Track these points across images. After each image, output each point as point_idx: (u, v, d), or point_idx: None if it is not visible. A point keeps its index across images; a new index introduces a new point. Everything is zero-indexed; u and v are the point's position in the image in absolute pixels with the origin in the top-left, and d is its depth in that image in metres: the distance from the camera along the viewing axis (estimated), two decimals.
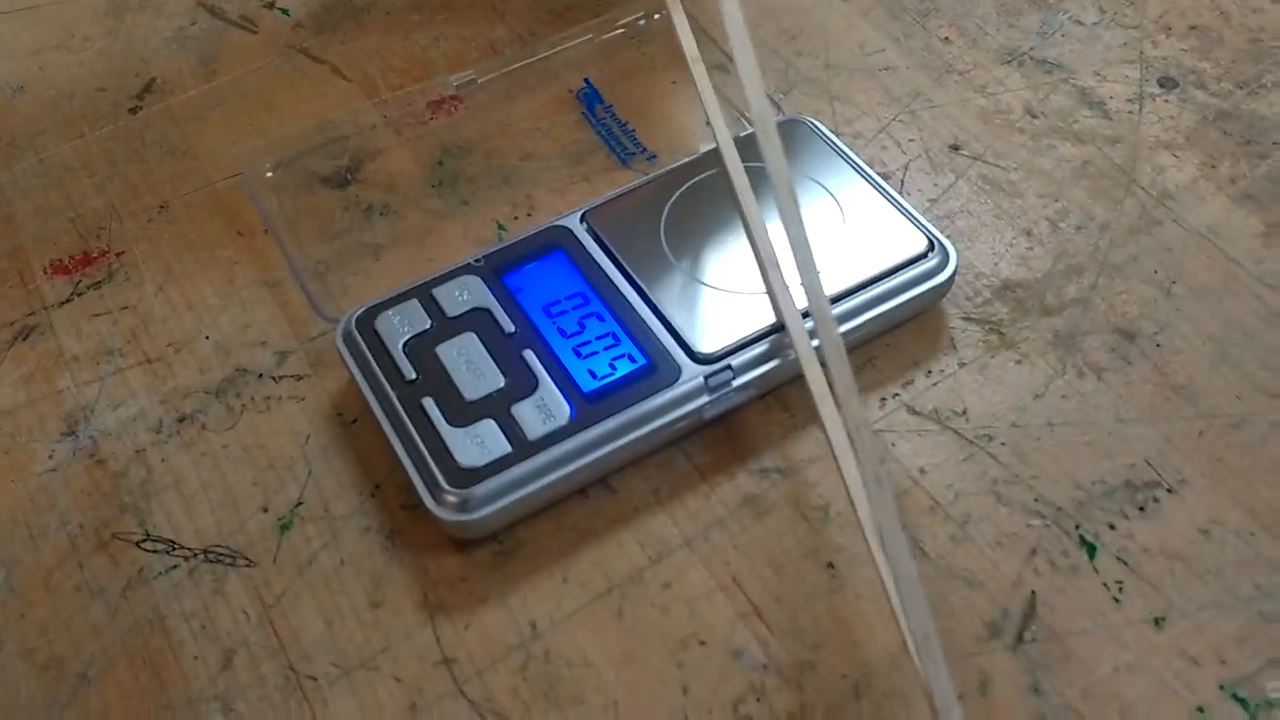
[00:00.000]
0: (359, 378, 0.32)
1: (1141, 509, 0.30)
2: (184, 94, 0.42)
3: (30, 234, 0.38)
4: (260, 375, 0.34)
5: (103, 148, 0.41)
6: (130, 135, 0.41)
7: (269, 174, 0.38)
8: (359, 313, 0.33)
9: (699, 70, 0.37)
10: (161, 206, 0.39)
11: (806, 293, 0.31)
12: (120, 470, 0.32)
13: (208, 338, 0.35)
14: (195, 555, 0.31)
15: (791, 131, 0.37)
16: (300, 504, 0.32)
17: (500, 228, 0.38)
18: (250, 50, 0.44)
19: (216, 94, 0.42)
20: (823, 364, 0.30)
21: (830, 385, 0.29)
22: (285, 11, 0.45)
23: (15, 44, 0.45)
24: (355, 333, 0.33)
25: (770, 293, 0.32)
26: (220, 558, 0.31)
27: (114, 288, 0.37)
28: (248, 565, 0.30)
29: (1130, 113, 0.39)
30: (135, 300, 0.36)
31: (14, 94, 0.43)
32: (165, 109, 0.42)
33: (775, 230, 0.32)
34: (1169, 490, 0.30)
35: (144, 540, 0.31)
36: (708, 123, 0.36)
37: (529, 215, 0.38)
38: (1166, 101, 0.39)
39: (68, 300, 0.37)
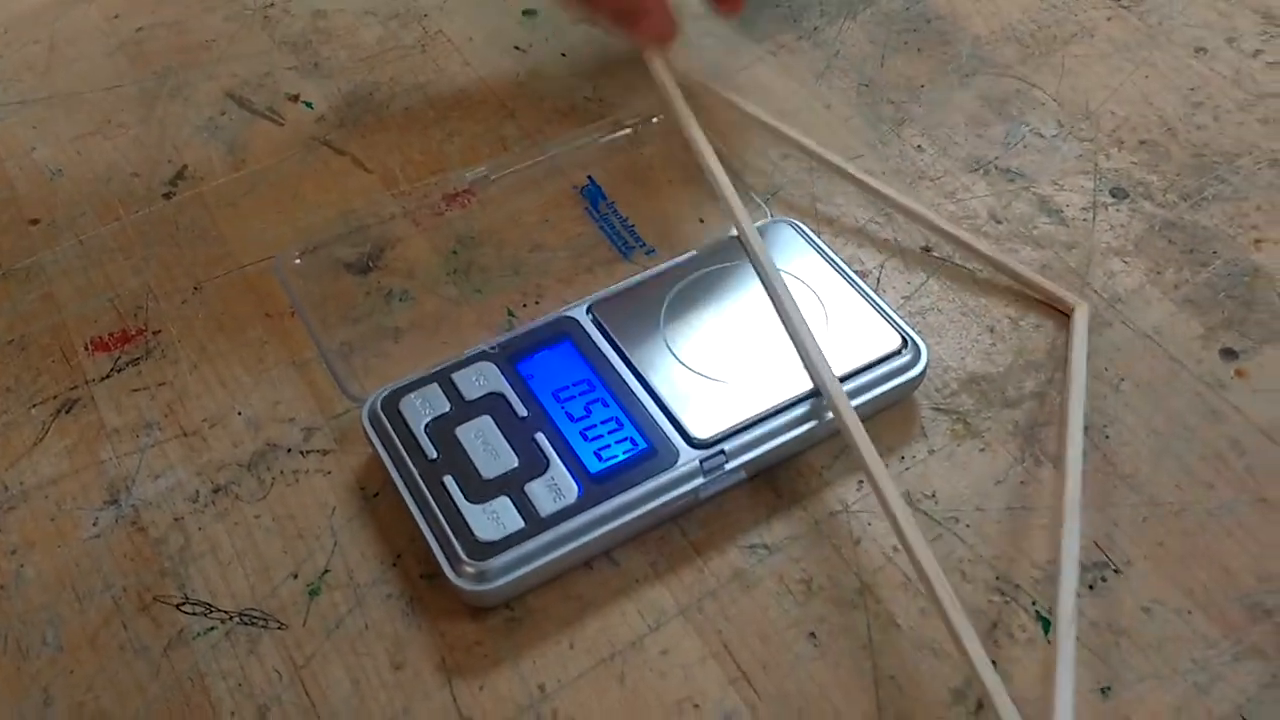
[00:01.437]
0: (384, 455, 0.35)
1: (1091, 588, 0.34)
2: (214, 181, 0.46)
3: (72, 312, 0.41)
4: (289, 450, 0.37)
5: (138, 231, 0.44)
6: (164, 220, 0.44)
7: (297, 260, 0.41)
8: (384, 395, 0.36)
9: (713, 163, 0.40)
10: (195, 288, 0.42)
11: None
12: (160, 537, 0.35)
13: (240, 413, 0.38)
14: (231, 618, 0.33)
15: (778, 233, 0.41)
16: (327, 571, 0.34)
17: (510, 314, 0.41)
18: (277, 141, 0.47)
19: (245, 182, 0.46)
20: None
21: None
22: (309, 104, 0.49)
23: (57, 129, 0.48)
24: (381, 413, 0.36)
25: (804, 360, 0.35)
26: (254, 620, 0.33)
27: (151, 364, 0.40)
28: (279, 628, 0.33)
29: (1084, 220, 0.43)
30: (172, 376, 0.39)
31: (53, 176, 0.46)
32: (197, 195, 0.45)
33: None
34: (1116, 571, 0.34)
35: (183, 603, 0.34)
36: (701, 220, 0.39)
37: (537, 303, 0.41)
38: (1118, 211, 0.43)
39: (108, 376, 0.39)
